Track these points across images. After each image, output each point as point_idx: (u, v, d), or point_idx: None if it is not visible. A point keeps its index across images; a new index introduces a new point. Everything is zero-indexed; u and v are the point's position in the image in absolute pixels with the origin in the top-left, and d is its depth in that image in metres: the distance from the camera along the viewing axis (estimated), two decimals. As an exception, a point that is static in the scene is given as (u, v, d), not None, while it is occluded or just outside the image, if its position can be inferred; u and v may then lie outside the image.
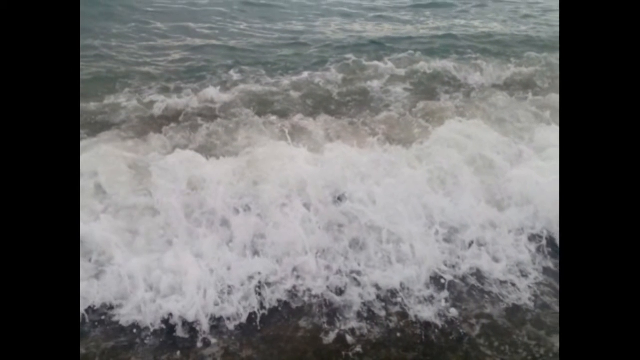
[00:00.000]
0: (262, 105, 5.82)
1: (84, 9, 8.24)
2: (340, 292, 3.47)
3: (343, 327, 3.20)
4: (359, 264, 3.67)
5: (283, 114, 5.63)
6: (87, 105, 5.40)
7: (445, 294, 3.50)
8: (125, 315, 3.15)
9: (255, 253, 3.63)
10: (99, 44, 7.39)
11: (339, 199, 4.10)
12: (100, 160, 4.18)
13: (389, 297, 3.47)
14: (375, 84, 6.71)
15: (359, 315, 3.30)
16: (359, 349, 3.04)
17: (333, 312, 3.32)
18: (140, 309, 3.17)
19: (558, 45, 8.77)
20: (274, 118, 5.46)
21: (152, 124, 5.20)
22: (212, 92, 5.90)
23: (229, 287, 3.36)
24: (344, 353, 3.01)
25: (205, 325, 3.14)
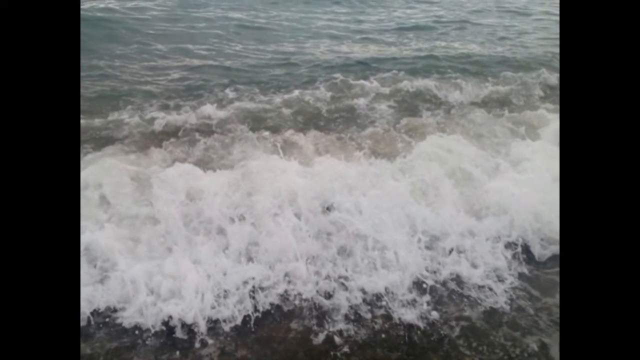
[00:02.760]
0: (256, 122, 5.84)
1: (89, 31, 8.35)
2: (328, 296, 3.50)
3: (331, 329, 3.23)
4: (346, 270, 3.70)
5: (275, 130, 5.65)
6: (92, 122, 5.42)
7: (427, 297, 3.54)
8: (127, 318, 3.17)
9: (250, 259, 3.65)
10: (104, 64, 7.39)
11: (328, 209, 4.14)
12: (104, 173, 4.20)
13: (374, 300, 3.50)
14: (361, 101, 6.73)
15: (346, 317, 3.33)
16: (346, 349, 3.07)
17: (322, 315, 3.35)
18: (141, 311, 3.19)
19: (532, 66, 8.86)
20: (266, 133, 5.48)
21: (153, 139, 5.22)
22: (209, 109, 5.90)
23: (225, 291, 3.39)
24: (332, 353, 3.04)
25: (202, 327, 3.16)
